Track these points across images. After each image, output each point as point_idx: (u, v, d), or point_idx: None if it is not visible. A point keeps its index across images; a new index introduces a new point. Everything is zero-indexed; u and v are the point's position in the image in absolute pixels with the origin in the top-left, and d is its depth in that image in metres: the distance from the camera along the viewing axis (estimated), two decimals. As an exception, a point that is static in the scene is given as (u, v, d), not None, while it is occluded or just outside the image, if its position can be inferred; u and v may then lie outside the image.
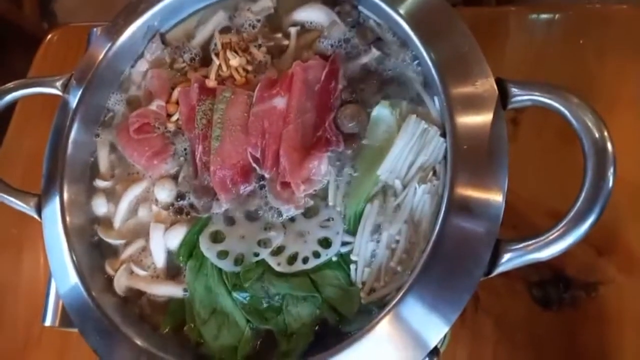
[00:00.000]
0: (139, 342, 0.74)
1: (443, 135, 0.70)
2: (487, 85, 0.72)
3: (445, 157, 0.69)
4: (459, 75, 0.74)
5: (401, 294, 0.66)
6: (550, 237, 0.65)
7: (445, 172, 0.68)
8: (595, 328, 0.90)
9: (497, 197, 0.68)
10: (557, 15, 1.08)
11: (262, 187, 0.78)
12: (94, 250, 0.83)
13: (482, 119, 0.71)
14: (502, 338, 0.95)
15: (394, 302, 0.67)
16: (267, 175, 0.77)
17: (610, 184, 0.64)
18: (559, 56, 1.05)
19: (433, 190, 0.70)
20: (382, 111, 0.74)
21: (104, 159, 0.87)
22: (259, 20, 0.87)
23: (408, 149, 0.71)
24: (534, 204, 0.99)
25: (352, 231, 0.72)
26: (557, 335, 0.91)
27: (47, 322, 0.99)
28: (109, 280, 0.81)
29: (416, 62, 0.77)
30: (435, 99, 0.73)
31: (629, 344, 0.81)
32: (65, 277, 0.79)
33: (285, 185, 0.74)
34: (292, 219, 0.76)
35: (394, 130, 0.72)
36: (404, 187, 0.71)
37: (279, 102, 0.77)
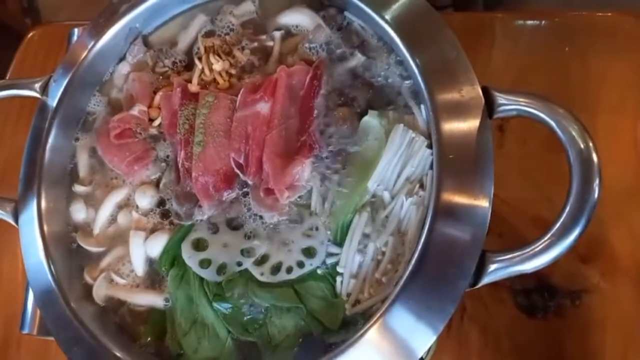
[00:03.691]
0: (118, 353, 0.73)
1: (430, 145, 0.69)
2: (473, 93, 0.72)
3: (432, 168, 0.68)
4: (445, 83, 0.73)
5: (387, 303, 0.65)
6: (536, 249, 0.65)
7: (431, 183, 0.68)
8: (579, 335, 0.90)
9: (483, 208, 0.68)
10: (543, 22, 1.08)
11: (245, 194, 0.77)
12: (73, 257, 0.81)
13: (468, 127, 0.70)
14: (488, 346, 0.95)
15: (380, 312, 0.67)
16: (250, 182, 0.76)
17: (596, 195, 0.64)
18: (544, 63, 1.05)
19: (419, 202, 0.69)
20: (370, 121, 0.73)
21: (83, 164, 0.85)
22: (241, 25, 0.85)
23: (396, 160, 0.70)
24: (519, 211, 0.99)
25: (339, 242, 0.71)
26: (543, 343, 0.91)
27: (25, 330, 0.95)
28: (88, 288, 0.79)
29: (401, 67, 0.76)
30: (422, 107, 0.72)
31: (610, 351, 0.81)
32: (42, 285, 0.77)
33: (269, 191, 0.73)
34: (276, 228, 0.75)
35: (382, 139, 0.71)
36: (392, 198, 0.70)
37: (263, 107, 0.76)
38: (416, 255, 0.67)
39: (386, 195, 0.71)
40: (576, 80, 1.03)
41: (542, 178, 1.00)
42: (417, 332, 0.63)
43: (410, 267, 0.67)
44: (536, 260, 0.65)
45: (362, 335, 0.64)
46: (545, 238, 0.64)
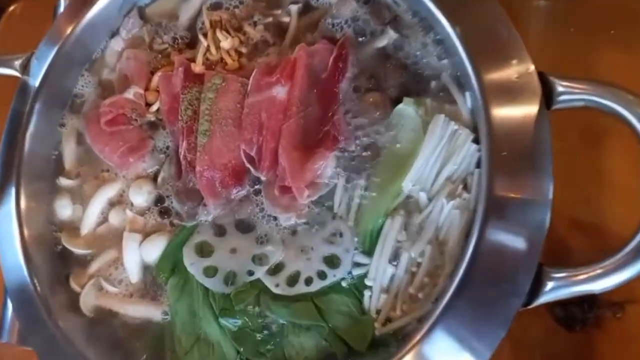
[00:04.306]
0: None
1: (475, 140, 0.62)
2: (528, 78, 0.62)
3: (478, 166, 0.62)
4: (495, 65, 0.63)
5: (427, 325, 0.58)
6: (608, 268, 0.56)
7: (479, 184, 0.60)
8: (621, 350, 0.82)
9: (540, 214, 0.59)
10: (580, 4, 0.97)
11: (257, 192, 0.71)
12: (57, 261, 0.76)
13: (523, 119, 0.61)
14: (522, 360, 0.86)
15: (418, 334, 0.59)
16: (263, 178, 0.70)
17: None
18: (583, 47, 0.94)
19: (463, 205, 0.62)
20: (405, 110, 0.66)
21: (69, 154, 0.79)
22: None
23: (435, 156, 0.63)
24: (557, 214, 0.89)
25: (367, 250, 0.65)
26: (580, 358, 0.83)
27: (4, 339, 0.86)
28: (74, 297, 0.73)
29: (441, 47, 0.68)
30: (467, 94, 0.65)
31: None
32: (20, 292, 0.72)
33: (285, 189, 0.67)
34: (292, 232, 0.69)
35: (419, 132, 0.64)
36: (430, 200, 0.64)
37: (279, 92, 0.69)
38: (463, 267, 0.58)
39: (423, 197, 0.64)
40: (621, 66, 0.92)
41: (578, 176, 0.90)
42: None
43: (455, 283, 0.58)
44: (606, 280, 0.56)
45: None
46: (619, 256, 0.56)
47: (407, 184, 0.64)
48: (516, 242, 0.58)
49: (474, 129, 0.63)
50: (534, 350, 0.82)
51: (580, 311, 0.83)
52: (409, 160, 0.64)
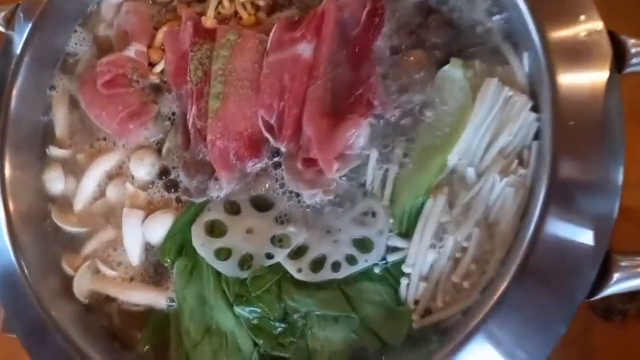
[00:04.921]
0: None
1: (536, 108, 0.57)
2: (597, 37, 0.56)
3: (537, 138, 0.57)
4: (560, 20, 0.57)
5: (476, 321, 0.53)
6: None
7: (538, 159, 0.56)
8: (663, 344, 0.79)
9: (610, 194, 0.53)
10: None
11: (277, 165, 0.66)
12: (47, 240, 0.71)
13: (592, 84, 0.55)
14: (553, 354, 0.80)
15: (465, 332, 0.54)
16: (284, 150, 0.65)
17: None
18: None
19: (518, 183, 0.57)
20: (451, 73, 0.61)
21: (61, 120, 0.74)
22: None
23: (486, 126, 0.59)
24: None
25: (404, 233, 0.61)
26: (617, 351, 0.79)
27: (-12, 326, 0.82)
28: (67, 281, 0.69)
29: (492, 1, 0.63)
30: (525, 55, 0.60)
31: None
32: (6, 275, 0.67)
33: (310, 162, 0.62)
34: (318, 211, 0.64)
35: (467, 98, 0.59)
36: (479, 177, 0.59)
37: (305, 50, 0.63)
38: (520, 254, 0.53)
39: (471, 173, 0.59)
40: None
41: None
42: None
43: (512, 271, 0.53)
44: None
45: None
46: None
47: (453, 158, 0.60)
48: (581, 230, 0.53)
49: (532, 96, 0.59)
50: (569, 343, 0.76)
51: (621, 302, 0.80)
52: (455, 131, 0.59)
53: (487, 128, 0.58)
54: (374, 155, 0.61)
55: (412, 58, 0.61)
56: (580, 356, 0.81)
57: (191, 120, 0.66)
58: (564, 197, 0.53)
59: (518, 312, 0.53)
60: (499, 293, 0.53)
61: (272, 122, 0.63)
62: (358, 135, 0.60)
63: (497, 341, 0.53)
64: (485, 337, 0.53)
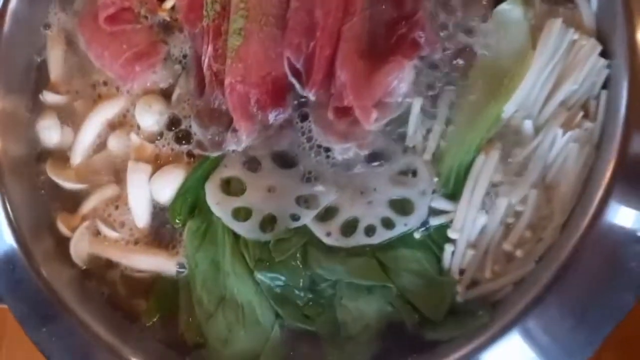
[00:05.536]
0: (107, 337, 0.59)
1: (605, 52, 0.53)
2: None
3: (605, 87, 0.53)
4: None
5: (531, 295, 0.49)
6: None
7: (607, 111, 0.51)
8: None
9: None
10: None
11: (304, 115, 0.61)
12: (40, 197, 0.67)
13: None
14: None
15: (519, 307, 0.49)
16: (312, 97, 0.60)
17: None
18: None
19: (583, 138, 0.52)
20: (509, 12, 0.55)
21: (56, 61, 0.69)
22: None
23: (547, 73, 0.53)
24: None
25: (450, 194, 0.56)
26: None
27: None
28: (63, 243, 0.65)
29: None
30: None
31: None
32: None
33: (343, 112, 0.57)
34: (350, 168, 0.59)
35: (526, 41, 0.54)
36: (538, 131, 0.53)
37: None
38: (586, 220, 0.48)
39: (528, 127, 0.54)
40: None
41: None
42: (573, 344, 0.48)
43: (574, 239, 0.48)
44: None
45: (492, 339, 0.49)
46: None
47: (509, 109, 0.54)
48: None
49: (600, 40, 0.53)
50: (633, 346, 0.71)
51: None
52: (512, 78, 0.53)
53: (549, 75, 0.53)
54: (418, 103, 0.56)
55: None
56: (615, 340, 0.77)
57: (206, 61, 0.61)
58: (638, 156, 0.47)
59: (581, 285, 0.47)
60: (559, 263, 0.48)
61: (300, 65, 0.58)
62: (400, 79, 0.55)
63: (555, 320, 0.48)
64: (542, 313, 0.48)
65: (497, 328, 0.49)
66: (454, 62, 0.55)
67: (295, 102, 0.61)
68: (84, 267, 0.65)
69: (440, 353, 0.51)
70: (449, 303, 0.54)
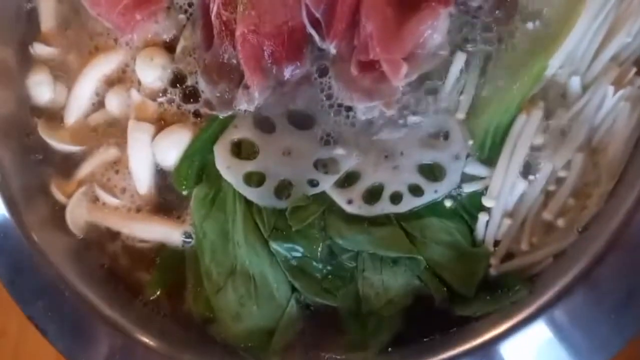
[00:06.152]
0: (108, 311, 0.57)
1: None
2: None
3: None
4: None
5: (577, 269, 0.45)
6: None
7: None
8: None
9: None
10: None
11: (323, 70, 0.57)
12: (32, 160, 0.64)
13: None
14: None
15: (562, 281, 0.46)
16: (333, 50, 0.56)
17: None
18: None
19: (636, 97, 0.48)
20: None
21: (48, 9, 0.65)
22: None
23: (597, 25, 0.48)
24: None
25: (486, 158, 0.52)
26: None
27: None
28: (59, 210, 0.63)
29: None
30: None
31: None
32: None
33: (368, 66, 0.53)
34: (373, 129, 0.55)
35: None
36: (585, 89, 0.49)
37: None
38: (637, 191, 0.45)
39: (575, 84, 0.49)
40: None
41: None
42: (617, 327, 0.44)
43: (624, 207, 0.45)
44: None
45: (526, 319, 0.46)
46: None
47: (554, 64, 0.49)
48: None
49: None
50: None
51: None
52: (559, 29, 0.49)
53: (599, 26, 0.48)
54: (461, 59, 0.51)
55: None
56: None
57: (215, 9, 0.56)
58: None
59: (628, 259, 0.44)
60: (609, 234, 0.44)
61: (319, 13, 0.54)
62: (434, 28, 0.50)
63: (602, 295, 0.44)
64: (588, 289, 0.44)
65: (536, 306, 0.45)
66: (496, 12, 0.50)
67: (314, 55, 0.57)
68: (82, 237, 0.62)
69: (474, 329, 0.48)
70: (482, 277, 0.51)
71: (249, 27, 0.54)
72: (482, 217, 0.50)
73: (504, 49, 0.51)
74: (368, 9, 0.51)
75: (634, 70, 0.48)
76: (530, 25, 0.50)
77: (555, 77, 0.49)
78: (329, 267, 0.54)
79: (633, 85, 0.47)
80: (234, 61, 0.57)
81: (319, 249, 0.53)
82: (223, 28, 0.56)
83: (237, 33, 0.55)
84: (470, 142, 0.51)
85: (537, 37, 0.49)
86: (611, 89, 0.47)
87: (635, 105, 0.47)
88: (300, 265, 0.54)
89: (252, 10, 0.53)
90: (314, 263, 0.54)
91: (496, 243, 0.51)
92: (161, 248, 0.60)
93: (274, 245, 0.53)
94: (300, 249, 0.54)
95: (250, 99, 0.56)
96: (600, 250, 0.44)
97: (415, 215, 0.53)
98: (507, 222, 0.49)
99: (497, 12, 0.50)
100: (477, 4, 0.50)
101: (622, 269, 0.44)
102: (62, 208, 0.62)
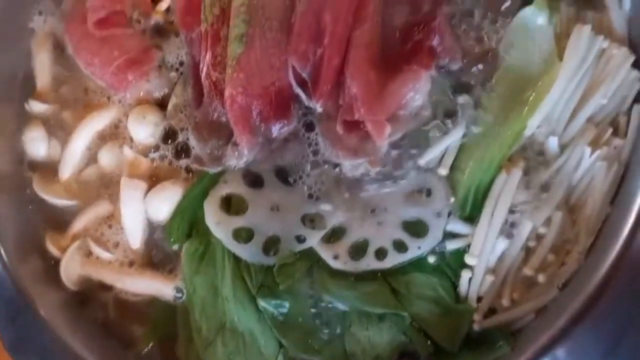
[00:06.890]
0: None
1: (635, 64, 0.51)
2: None
3: (637, 101, 0.51)
4: None
5: (561, 322, 0.46)
6: None
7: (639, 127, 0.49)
8: None
9: None
10: None
11: (309, 126, 0.58)
12: (27, 214, 0.65)
13: None
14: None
15: (543, 337, 0.46)
16: (319, 109, 0.57)
17: None
18: None
19: (612, 157, 0.50)
20: (533, 16, 0.52)
21: (43, 68, 0.66)
22: None
23: (574, 86, 0.50)
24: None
25: (467, 215, 0.53)
26: None
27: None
28: (53, 265, 0.63)
29: None
30: None
31: None
32: None
33: (352, 126, 0.54)
34: (360, 186, 0.56)
35: (551, 50, 0.50)
36: (562, 149, 0.51)
37: None
38: (618, 245, 0.46)
39: (553, 144, 0.51)
40: None
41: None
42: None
43: (607, 265, 0.45)
44: None
45: None
46: None
47: (532, 124, 0.50)
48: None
49: (633, 49, 0.50)
50: None
51: None
52: (537, 90, 0.50)
53: (576, 88, 0.50)
54: (437, 116, 0.53)
55: (485, -5, 0.52)
56: None
57: (204, 70, 0.57)
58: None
59: (613, 315, 0.44)
60: (588, 291, 0.45)
61: (305, 74, 0.55)
62: (416, 90, 0.51)
63: (585, 349, 0.45)
64: (570, 345, 0.45)
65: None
66: (474, 71, 0.51)
67: (301, 112, 0.58)
68: (76, 290, 0.62)
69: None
70: (466, 332, 0.52)
71: (237, 88, 0.54)
72: (465, 275, 0.51)
73: (485, 109, 0.51)
74: (352, 71, 0.52)
75: (610, 130, 0.49)
76: (509, 85, 0.50)
77: (534, 137, 0.50)
78: (315, 323, 0.54)
79: (609, 145, 0.48)
80: (224, 119, 0.57)
81: (306, 305, 0.53)
82: (212, 88, 0.57)
83: (226, 94, 0.56)
84: (452, 200, 0.52)
85: (516, 98, 0.50)
86: (588, 149, 0.48)
87: (611, 166, 0.48)
88: (287, 322, 0.54)
89: (240, 72, 0.54)
90: (301, 319, 0.54)
91: (479, 299, 0.51)
92: (154, 301, 0.60)
93: (262, 302, 0.53)
94: (287, 305, 0.54)
95: (240, 156, 0.57)
96: (580, 307, 0.45)
97: (400, 270, 0.53)
98: (490, 278, 0.50)
99: (476, 68, 0.51)
100: (457, 67, 0.51)
101: (603, 326, 0.45)
102: (56, 262, 0.62)
